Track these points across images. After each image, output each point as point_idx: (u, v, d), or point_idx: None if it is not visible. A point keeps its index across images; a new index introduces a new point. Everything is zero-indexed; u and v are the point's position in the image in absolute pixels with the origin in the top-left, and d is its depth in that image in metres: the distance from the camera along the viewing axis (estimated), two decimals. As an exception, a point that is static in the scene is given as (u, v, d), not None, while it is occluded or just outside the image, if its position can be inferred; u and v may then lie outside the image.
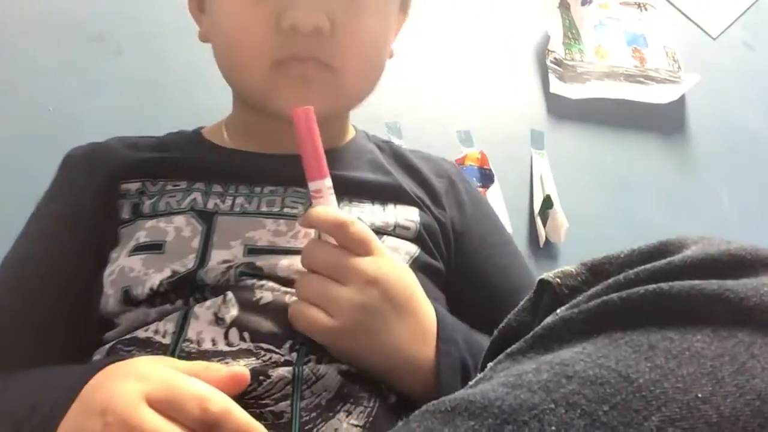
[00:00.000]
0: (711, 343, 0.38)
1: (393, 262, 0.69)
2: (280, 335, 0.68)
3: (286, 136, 0.77)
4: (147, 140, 0.90)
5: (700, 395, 0.35)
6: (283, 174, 0.80)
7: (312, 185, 0.71)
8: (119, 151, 0.86)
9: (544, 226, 1.29)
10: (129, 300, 0.73)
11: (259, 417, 0.62)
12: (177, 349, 0.66)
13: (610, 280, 0.45)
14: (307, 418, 0.63)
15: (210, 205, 0.79)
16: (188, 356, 0.65)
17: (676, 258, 0.44)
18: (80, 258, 0.79)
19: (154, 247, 0.75)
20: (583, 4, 1.58)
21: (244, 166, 0.83)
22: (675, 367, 0.37)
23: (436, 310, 0.71)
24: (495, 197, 1.28)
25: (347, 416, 0.64)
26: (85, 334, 0.77)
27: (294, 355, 0.67)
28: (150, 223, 0.77)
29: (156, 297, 0.72)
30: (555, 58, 1.50)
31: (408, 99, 1.37)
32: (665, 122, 1.53)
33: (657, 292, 0.41)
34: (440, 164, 0.97)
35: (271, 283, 0.72)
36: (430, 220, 0.85)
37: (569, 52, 1.52)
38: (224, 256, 0.74)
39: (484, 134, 1.38)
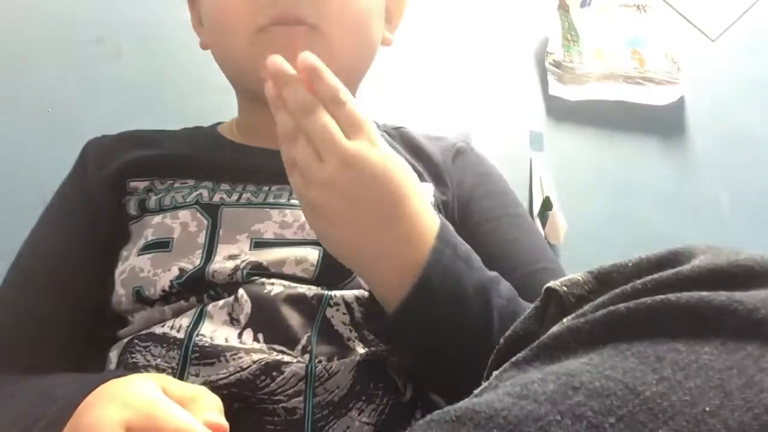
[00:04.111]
0: (719, 356, 0.37)
1: (382, 154, 0.63)
2: (292, 335, 0.68)
3: None
4: (162, 135, 0.91)
5: (707, 409, 0.35)
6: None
7: None
8: (131, 148, 0.86)
9: (544, 227, 1.30)
10: (141, 299, 0.74)
11: (271, 413, 0.63)
12: (191, 342, 0.67)
13: (617, 290, 0.45)
14: (320, 414, 0.64)
15: (216, 199, 0.79)
16: (201, 349, 0.66)
17: (684, 268, 0.44)
18: (91, 256, 0.81)
19: (161, 245, 0.76)
20: (582, 5, 1.58)
21: (252, 164, 0.83)
22: (682, 379, 0.37)
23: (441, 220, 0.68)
24: (494, 199, 1.28)
25: (359, 414, 0.65)
26: (99, 330, 0.79)
27: (306, 357, 0.67)
28: (156, 219, 0.78)
29: (170, 296, 0.73)
30: (554, 60, 1.50)
31: (407, 101, 1.37)
32: (664, 124, 1.53)
33: (665, 302, 0.41)
34: (450, 140, 0.95)
35: (279, 281, 0.72)
36: (438, 200, 0.84)
37: (568, 54, 1.52)
38: (230, 250, 0.74)
39: (483, 136, 1.38)
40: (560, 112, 1.48)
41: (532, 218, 1.32)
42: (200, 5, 0.87)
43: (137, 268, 0.75)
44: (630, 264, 0.49)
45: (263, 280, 0.71)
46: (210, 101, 1.22)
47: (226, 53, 0.84)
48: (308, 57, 0.62)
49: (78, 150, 0.94)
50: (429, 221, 0.66)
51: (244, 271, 0.72)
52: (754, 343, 0.38)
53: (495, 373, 0.48)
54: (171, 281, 0.72)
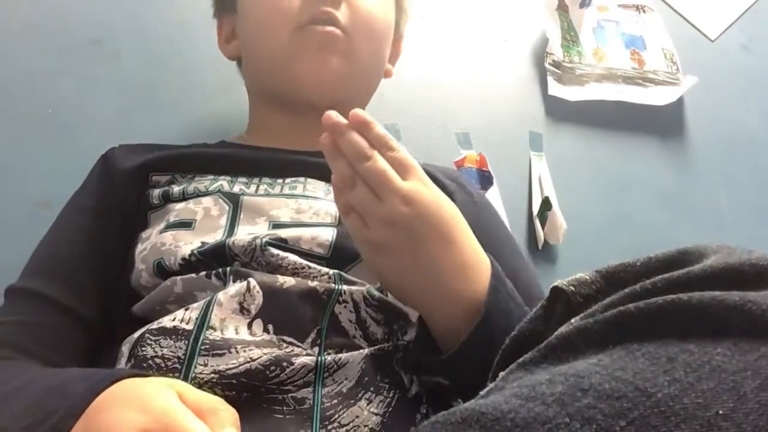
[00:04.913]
0: (732, 357, 0.37)
1: (434, 191, 0.69)
2: (303, 328, 0.70)
3: (304, 132, 0.88)
4: (176, 146, 0.97)
5: (721, 412, 0.35)
6: (303, 167, 0.88)
7: None
8: (152, 150, 0.93)
9: (543, 227, 1.29)
10: (162, 271, 0.77)
11: (280, 402, 0.64)
12: (201, 336, 0.67)
13: (626, 290, 0.45)
14: (329, 404, 0.64)
15: (236, 189, 0.85)
16: (211, 342, 0.67)
17: (696, 268, 0.43)
18: (109, 244, 0.85)
19: (184, 225, 0.80)
20: (581, 6, 1.58)
21: (267, 159, 0.90)
22: (695, 381, 0.36)
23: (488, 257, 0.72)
24: (494, 199, 1.28)
25: (368, 404, 0.66)
26: (115, 312, 0.82)
27: (315, 350, 0.69)
28: (180, 205, 0.83)
29: (185, 269, 0.76)
30: (553, 61, 1.50)
31: (407, 101, 1.37)
32: (663, 124, 1.53)
33: (676, 302, 0.41)
34: (449, 171, 1.03)
35: (294, 257, 0.76)
36: None
37: (568, 55, 1.52)
38: (250, 230, 0.79)
39: (482, 136, 1.38)
40: (560, 112, 1.47)
41: (532, 218, 1.32)
42: (239, 13, 0.99)
43: (159, 243, 0.79)
44: (638, 263, 0.48)
45: (278, 252, 0.75)
46: (209, 103, 1.22)
47: (263, 51, 0.94)
48: (359, 112, 0.67)
49: (78, 152, 0.95)
50: (480, 254, 0.71)
51: (264, 240, 0.76)
52: (767, 344, 0.37)
53: (501, 374, 0.48)
54: (192, 251, 0.76)
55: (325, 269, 0.76)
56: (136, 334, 0.72)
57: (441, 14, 1.50)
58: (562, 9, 1.56)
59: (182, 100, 1.22)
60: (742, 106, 1.60)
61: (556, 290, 0.51)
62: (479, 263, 0.70)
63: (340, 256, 0.78)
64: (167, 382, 0.58)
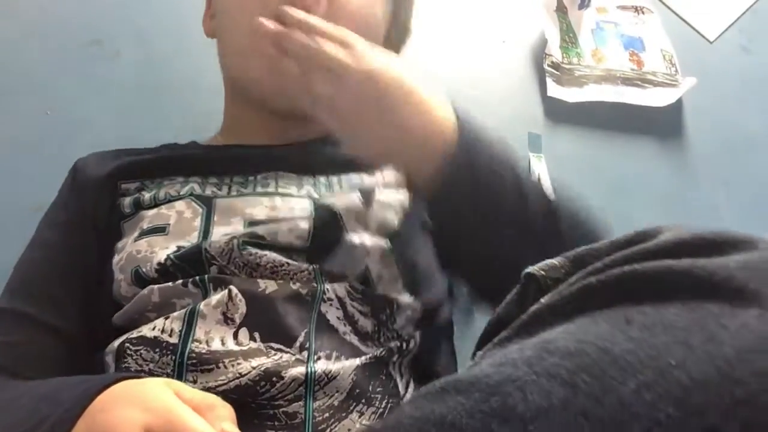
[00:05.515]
0: (681, 315, 0.40)
1: (384, 56, 0.72)
2: (289, 333, 0.69)
3: (274, 125, 0.89)
4: (144, 149, 0.96)
5: (672, 362, 0.37)
6: (273, 160, 0.87)
7: None
8: (119, 156, 0.91)
9: (542, 228, 1.29)
10: (140, 279, 0.76)
11: (272, 417, 0.64)
12: (186, 349, 0.67)
13: (589, 267, 0.48)
14: (320, 418, 0.64)
15: (208, 192, 0.84)
16: (198, 357, 0.66)
17: (650, 243, 0.47)
18: (84, 257, 0.83)
19: (158, 231, 0.79)
20: (580, 7, 1.58)
21: (235, 157, 0.89)
22: (649, 337, 0.39)
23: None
24: (493, 200, 1.28)
25: (360, 417, 0.66)
26: (97, 326, 0.80)
27: (305, 354, 0.68)
28: (152, 212, 0.81)
29: (162, 276, 0.75)
30: (552, 62, 1.50)
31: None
32: (663, 125, 1.53)
33: (632, 272, 0.44)
34: None
35: (272, 255, 0.74)
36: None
37: (566, 56, 1.52)
38: (226, 230, 0.77)
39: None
40: (559, 113, 1.47)
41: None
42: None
43: (134, 252, 0.77)
44: (602, 246, 0.51)
45: (256, 251, 0.74)
46: (207, 104, 1.23)
47: (231, 39, 0.91)
48: (289, 11, 0.72)
49: (76, 153, 0.95)
50: (442, 102, 0.73)
51: (241, 240, 0.74)
52: (714, 303, 0.40)
53: (479, 353, 0.50)
54: (168, 255, 0.75)
55: (304, 265, 0.75)
56: (116, 343, 0.72)
57: (439, 15, 1.51)
58: (561, 10, 1.57)
59: (182, 100, 1.23)
60: (741, 107, 1.60)
61: (528, 276, 0.54)
62: (442, 107, 0.73)
63: (320, 244, 0.77)
64: (164, 381, 0.59)
